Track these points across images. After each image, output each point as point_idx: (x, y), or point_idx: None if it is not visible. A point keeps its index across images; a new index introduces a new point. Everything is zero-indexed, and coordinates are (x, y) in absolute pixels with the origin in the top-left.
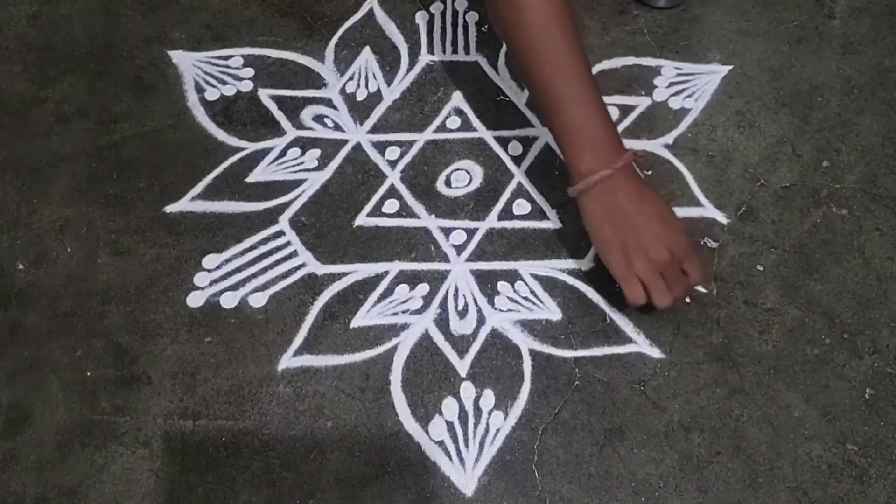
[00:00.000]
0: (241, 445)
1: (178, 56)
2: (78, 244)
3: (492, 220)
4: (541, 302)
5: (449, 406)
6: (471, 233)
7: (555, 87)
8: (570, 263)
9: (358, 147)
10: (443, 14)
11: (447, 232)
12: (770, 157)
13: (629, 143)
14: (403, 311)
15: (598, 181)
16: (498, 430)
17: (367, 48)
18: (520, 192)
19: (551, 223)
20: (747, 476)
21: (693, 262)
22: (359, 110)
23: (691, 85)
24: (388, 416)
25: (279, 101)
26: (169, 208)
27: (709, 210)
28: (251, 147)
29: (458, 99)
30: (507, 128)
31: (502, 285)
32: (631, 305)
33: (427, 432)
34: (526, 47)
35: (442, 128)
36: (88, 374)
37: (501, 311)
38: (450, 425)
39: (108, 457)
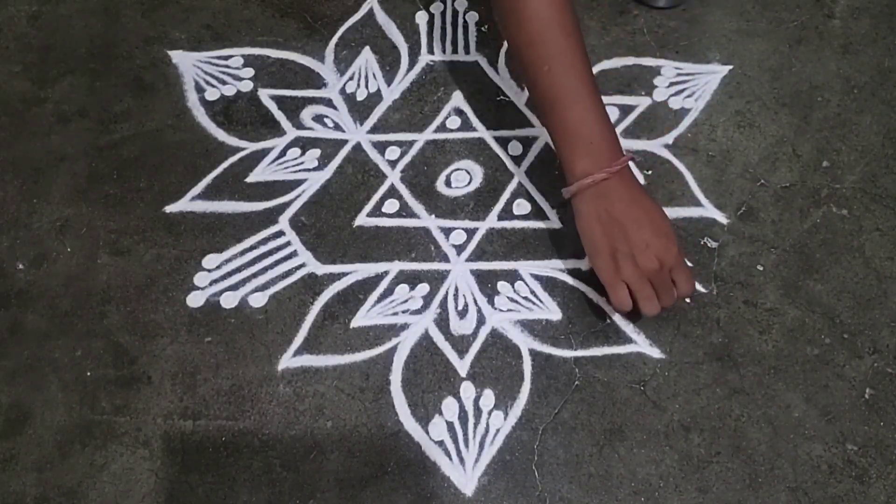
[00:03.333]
0: (241, 445)
1: (178, 56)
2: (78, 244)
3: (492, 220)
4: (541, 302)
5: (449, 406)
6: (471, 233)
7: (553, 84)
8: (570, 263)
9: (358, 147)
10: (443, 14)
11: (447, 232)
12: (770, 157)
13: (629, 144)
14: (403, 311)
15: (593, 184)
16: (498, 430)
17: (367, 48)
18: (520, 192)
19: (551, 223)
20: (747, 476)
21: (682, 273)
22: (359, 110)
23: (691, 85)
24: (388, 416)
25: (279, 101)
26: (169, 208)
27: (709, 210)
28: (251, 147)
29: (458, 99)
30: (507, 128)
31: (502, 285)
32: (617, 311)
33: (427, 432)
34: (525, 42)
35: (442, 128)
36: (88, 374)
37: (501, 311)
38: (450, 425)
39: (108, 457)
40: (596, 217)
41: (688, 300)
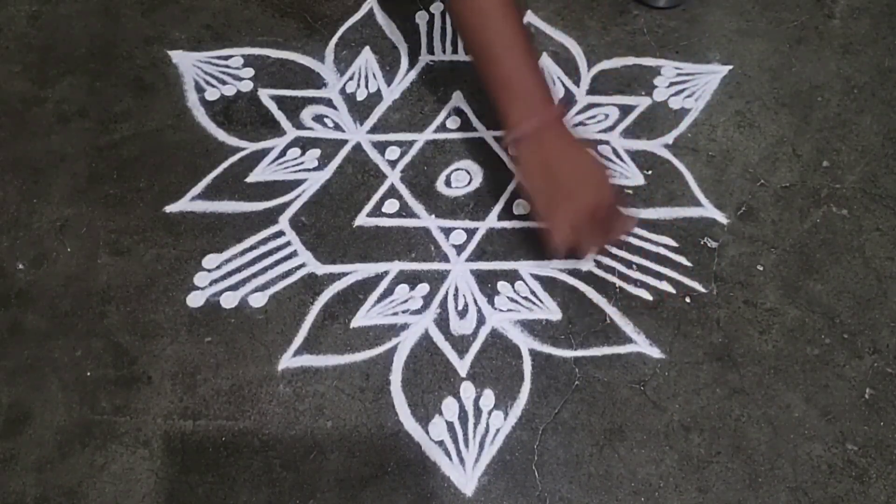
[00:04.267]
0: (241, 445)
1: (178, 56)
2: (78, 244)
3: (492, 220)
4: (541, 302)
5: (449, 406)
6: (471, 233)
7: (488, 38)
8: (570, 263)
9: (358, 147)
10: (443, 14)
11: (447, 232)
12: (770, 157)
13: (629, 144)
14: (403, 311)
15: (529, 132)
16: (498, 430)
17: (367, 48)
18: (520, 192)
19: None
20: (747, 476)
21: (619, 212)
22: (359, 110)
23: (691, 85)
24: (388, 416)
25: (279, 101)
26: (169, 208)
27: (709, 210)
28: (251, 147)
29: (458, 99)
30: None
31: (502, 285)
32: (553, 252)
33: (427, 432)
34: (464, 5)
35: (442, 128)
36: (88, 374)
37: (501, 311)
38: (450, 425)
39: (108, 457)
40: (534, 162)
41: (688, 299)
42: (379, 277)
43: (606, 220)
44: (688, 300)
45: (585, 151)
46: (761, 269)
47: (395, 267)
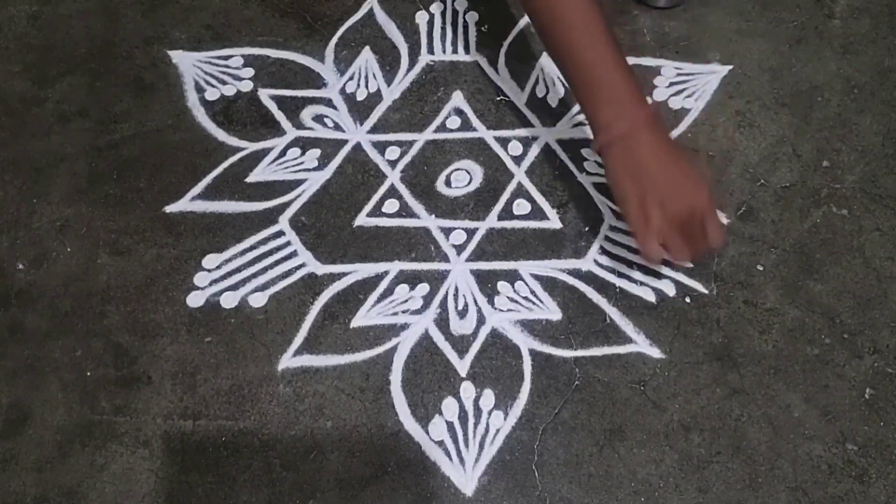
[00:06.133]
0: (241, 445)
1: (178, 56)
2: (78, 244)
3: (492, 220)
4: (541, 302)
5: (449, 406)
6: (471, 233)
7: (575, 42)
8: (570, 263)
9: (358, 147)
10: (443, 14)
11: (447, 232)
12: (770, 157)
13: None
14: (403, 311)
15: (620, 135)
16: (498, 430)
17: (367, 48)
18: (520, 192)
19: (551, 223)
20: (747, 476)
21: (714, 221)
22: (359, 110)
23: (691, 85)
24: (388, 416)
25: (279, 101)
26: (169, 208)
27: None
28: (251, 147)
29: (458, 99)
30: (507, 128)
31: (502, 285)
32: (647, 262)
33: (427, 432)
34: (545, 6)
35: (442, 128)
36: (88, 374)
37: (501, 311)
38: (450, 425)
39: (108, 457)
40: (624, 167)
41: (688, 299)
42: (379, 277)
43: (699, 228)
44: (688, 300)
45: (680, 155)
46: (761, 269)
47: (395, 267)
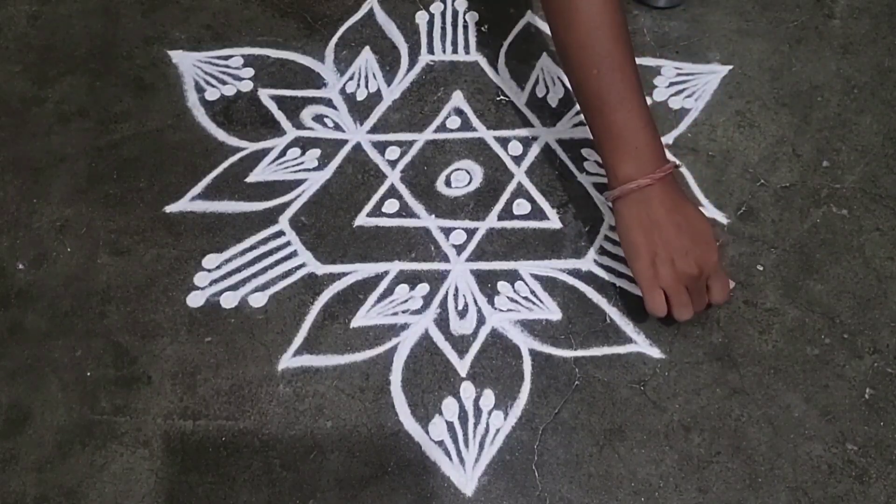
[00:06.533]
0: (241, 445)
1: (178, 56)
2: (78, 244)
3: (492, 220)
4: (541, 302)
5: (449, 406)
6: (471, 233)
7: (601, 87)
8: (570, 263)
9: (358, 147)
10: (443, 14)
11: (447, 232)
12: (770, 157)
13: None
14: (403, 311)
15: (636, 189)
16: (498, 430)
17: (367, 48)
18: (520, 192)
19: (551, 223)
20: (747, 476)
21: (718, 281)
22: (359, 110)
23: (691, 85)
24: (388, 416)
25: (279, 101)
26: (169, 208)
27: (709, 210)
28: (251, 147)
29: (458, 99)
30: (507, 128)
31: (502, 285)
32: (650, 315)
33: (427, 432)
34: (574, 44)
35: (442, 128)
36: (88, 374)
37: (501, 311)
38: (450, 425)
39: (108, 457)
40: (637, 221)
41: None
42: (379, 277)
43: (704, 285)
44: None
45: (693, 215)
46: (761, 269)
47: (395, 267)
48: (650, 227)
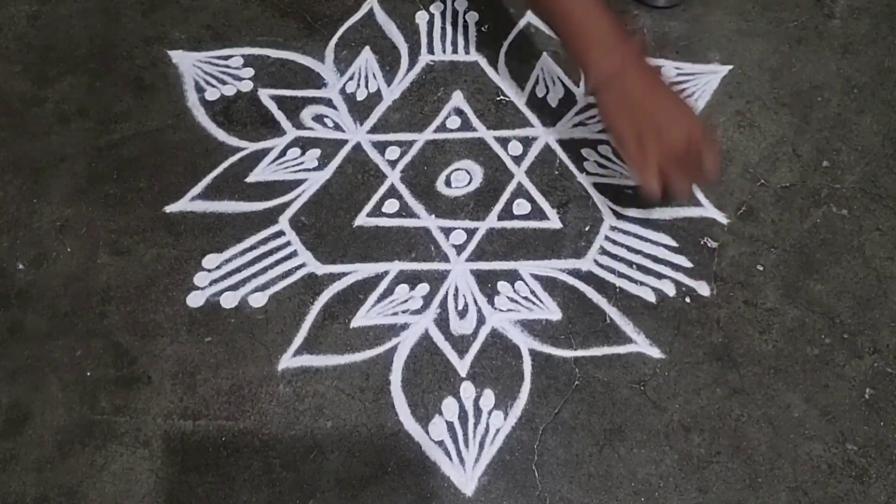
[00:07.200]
0: (241, 445)
1: (178, 56)
2: (78, 244)
3: (492, 220)
4: (541, 302)
5: (449, 406)
6: (471, 233)
7: None
8: (570, 263)
9: (358, 147)
10: (443, 14)
11: (447, 232)
12: (770, 157)
13: None
14: (403, 311)
15: (611, 73)
16: (498, 430)
17: (367, 48)
18: (520, 192)
19: (551, 223)
20: (747, 476)
21: (709, 147)
22: (359, 110)
23: (691, 85)
24: (388, 416)
25: (279, 101)
26: (169, 208)
27: (709, 210)
28: (251, 147)
29: (458, 99)
30: (507, 128)
31: (502, 285)
32: (648, 197)
33: (427, 432)
34: None
35: (442, 128)
36: (88, 374)
37: (501, 311)
38: (450, 425)
39: (108, 457)
40: (618, 104)
41: (688, 299)
42: (379, 277)
43: (696, 157)
44: (688, 300)
45: (669, 88)
46: (761, 269)
47: (395, 267)
48: (632, 107)
